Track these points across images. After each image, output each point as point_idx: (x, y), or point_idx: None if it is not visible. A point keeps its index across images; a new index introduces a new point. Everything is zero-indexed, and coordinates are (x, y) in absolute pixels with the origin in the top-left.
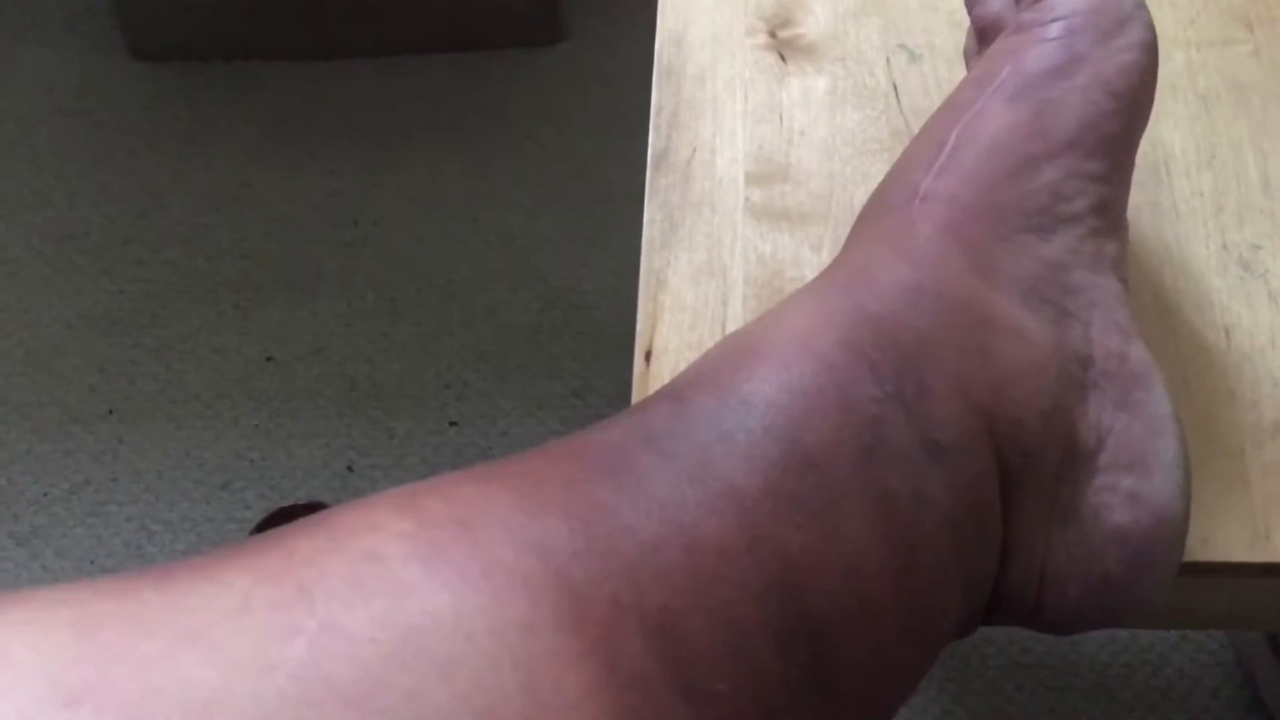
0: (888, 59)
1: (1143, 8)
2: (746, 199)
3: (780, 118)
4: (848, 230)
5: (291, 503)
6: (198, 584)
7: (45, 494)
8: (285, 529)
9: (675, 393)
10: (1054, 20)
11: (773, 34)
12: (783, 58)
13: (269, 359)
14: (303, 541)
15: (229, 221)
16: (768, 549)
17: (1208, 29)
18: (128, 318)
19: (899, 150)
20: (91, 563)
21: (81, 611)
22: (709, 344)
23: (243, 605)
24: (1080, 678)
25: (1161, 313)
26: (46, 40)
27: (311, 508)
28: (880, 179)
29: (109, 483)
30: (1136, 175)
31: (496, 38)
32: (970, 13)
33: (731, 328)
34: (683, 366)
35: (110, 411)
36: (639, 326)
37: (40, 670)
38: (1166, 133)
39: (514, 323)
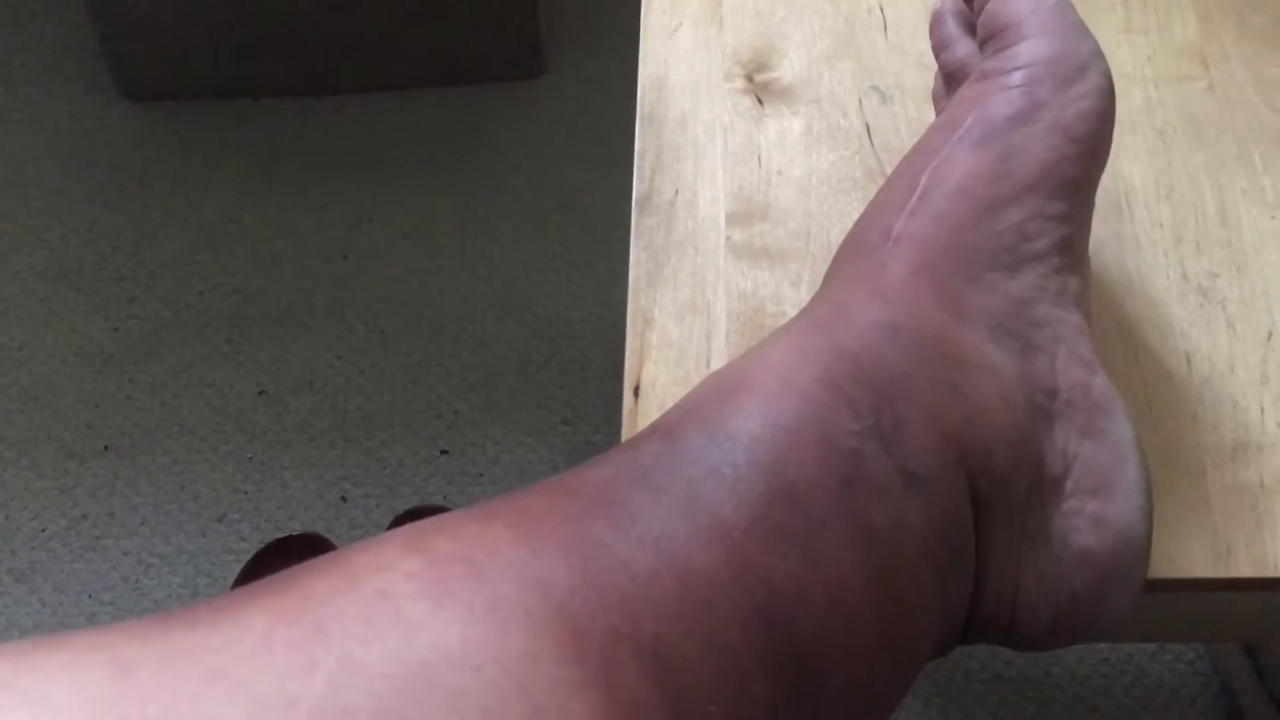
0: (860, 100)
1: (1099, 56)
2: (728, 238)
3: (759, 159)
4: (825, 266)
5: (287, 534)
6: (221, 625)
7: (43, 530)
8: (299, 569)
9: (665, 429)
10: (1015, 69)
11: (750, 78)
12: (760, 101)
13: (261, 392)
14: (317, 582)
15: (220, 257)
16: (754, 577)
17: (1165, 66)
18: (122, 354)
19: (872, 188)
20: (89, 597)
21: (115, 654)
22: (695, 379)
23: (264, 644)
24: (1061, 689)
25: (1125, 340)
26: (37, 81)
27: (307, 539)
28: (855, 216)
29: (106, 517)
30: (1099, 208)
31: (481, 72)
32: (937, 59)
33: (716, 363)
34: (670, 401)
35: (106, 447)
36: (627, 363)
37: (78, 710)
38: (1127, 167)
39: (502, 352)
